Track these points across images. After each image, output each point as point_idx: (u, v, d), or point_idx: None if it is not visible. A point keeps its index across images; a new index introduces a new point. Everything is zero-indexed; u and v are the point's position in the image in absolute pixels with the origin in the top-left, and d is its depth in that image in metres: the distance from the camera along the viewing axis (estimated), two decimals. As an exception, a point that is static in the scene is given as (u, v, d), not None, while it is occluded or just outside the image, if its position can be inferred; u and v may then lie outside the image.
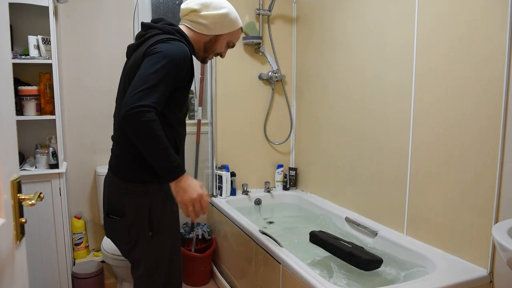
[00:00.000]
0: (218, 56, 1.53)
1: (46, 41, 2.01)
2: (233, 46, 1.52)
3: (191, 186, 1.24)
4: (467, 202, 1.54)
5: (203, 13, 1.40)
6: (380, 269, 1.67)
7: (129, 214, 1.38)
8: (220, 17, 1.40)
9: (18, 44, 2.11)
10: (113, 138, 1.47)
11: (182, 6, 1.45)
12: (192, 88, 2.73)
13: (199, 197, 1.25)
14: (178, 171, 1.23)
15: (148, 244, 1.39)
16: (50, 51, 2.00)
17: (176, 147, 1.38)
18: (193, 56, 1.40)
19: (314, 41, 2.57)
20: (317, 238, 1.85)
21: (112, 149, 1.47)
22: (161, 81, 1.22)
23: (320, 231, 1.93)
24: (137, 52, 1.35)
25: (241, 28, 1.50)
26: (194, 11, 1.41)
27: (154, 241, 1.39)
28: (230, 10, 1.43)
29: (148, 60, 1.25)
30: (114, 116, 1.49)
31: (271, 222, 2.45)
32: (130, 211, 1.38)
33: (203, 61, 1.51)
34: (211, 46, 1.45)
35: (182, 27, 1.44)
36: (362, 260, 1.62)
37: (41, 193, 0.88)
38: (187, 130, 1.53)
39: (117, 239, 1.47)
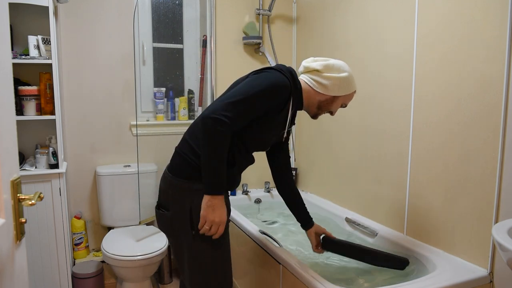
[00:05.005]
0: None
1: (46, 41, 2.01)
2: (345, 107, 1.54)
3: (219, 209, 1.28)
4: (467, 202, 1.54)
5: (325, 74, 1.44)
6: (379, 268, 1.67)
7: (172, 208, 1.40)
8: (340, 80, 1.43)
9: (18, 44, 2.11)
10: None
11: (304, 63, 1.49)
12: (192, 88, 2.74)
13: (218, 223, 1.29)
14: (218, 188, 1.28)
15: (190, 243, 1.38)
16: (50, 51, 2.00)
17: (233, 163, 1.41)
18: (292, 100, 1.43)
19: (314, 41, 2.57)
20: (335, 244, 1.70)
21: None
22: (249, 99, 1.29)
23: (324, 236, 1.76)
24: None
25: (355, 91, 1.51)
26: (317, 71, 1.45)
27: (196, 241, 1.37)
28: (350, 75, 1.46)
29: (250, 79, 1.36)
30: None
31: (271, 222, 2.44)
32: (173, 206, 1.40)
33: (315, 116, 1.55)
34: (326, 105, 1.50)
35: (300, 80, 1.48)
36: (403, 260, 1.63)
37: (41, 193, 0.88)
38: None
39: (164, 232, 1.48)
